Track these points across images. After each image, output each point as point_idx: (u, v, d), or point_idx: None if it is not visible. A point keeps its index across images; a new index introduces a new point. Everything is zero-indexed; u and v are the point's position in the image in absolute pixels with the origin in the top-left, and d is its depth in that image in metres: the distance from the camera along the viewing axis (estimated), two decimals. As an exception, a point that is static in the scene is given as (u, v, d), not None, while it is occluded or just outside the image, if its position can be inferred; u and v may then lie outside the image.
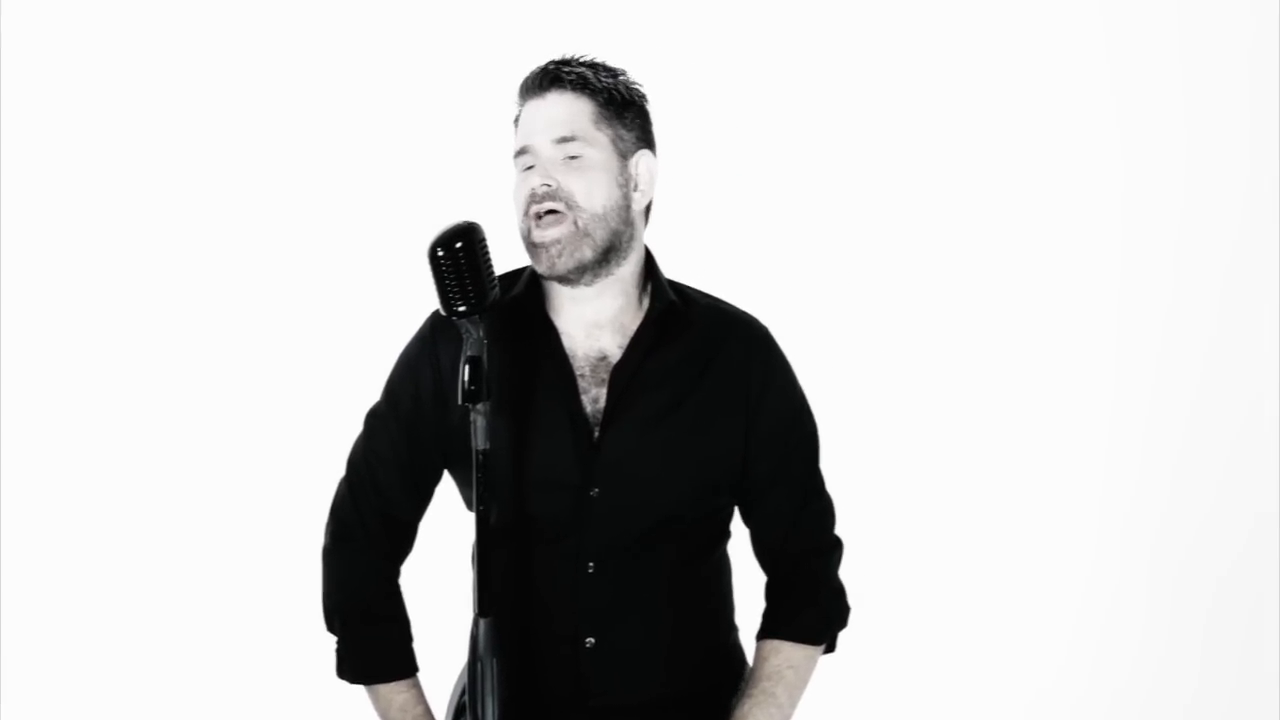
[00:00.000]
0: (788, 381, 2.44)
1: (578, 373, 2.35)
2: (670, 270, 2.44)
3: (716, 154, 4.05)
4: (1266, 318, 4.16)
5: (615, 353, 2.36)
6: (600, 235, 2.30)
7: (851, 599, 2.47)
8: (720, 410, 2.36)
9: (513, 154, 2.36)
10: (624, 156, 2.34)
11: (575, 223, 2.28)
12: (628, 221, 2.34)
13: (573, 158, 2.29)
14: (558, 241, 2.28)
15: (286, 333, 4.13)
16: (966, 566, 4.19)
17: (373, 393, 2.44)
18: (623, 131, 2.34)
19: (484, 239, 2.13)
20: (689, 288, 2.46)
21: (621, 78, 2.37)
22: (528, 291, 2.38)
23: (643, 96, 2.39)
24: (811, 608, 2.43)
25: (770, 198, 4.15)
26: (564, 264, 2.29)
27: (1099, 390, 4.22)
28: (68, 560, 4.14)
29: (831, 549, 2.47)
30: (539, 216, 2.29)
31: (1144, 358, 4.21)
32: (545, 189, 2.28)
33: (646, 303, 2.38)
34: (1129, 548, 4.22)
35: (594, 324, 2.37)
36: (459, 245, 2.11)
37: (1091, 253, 4.20)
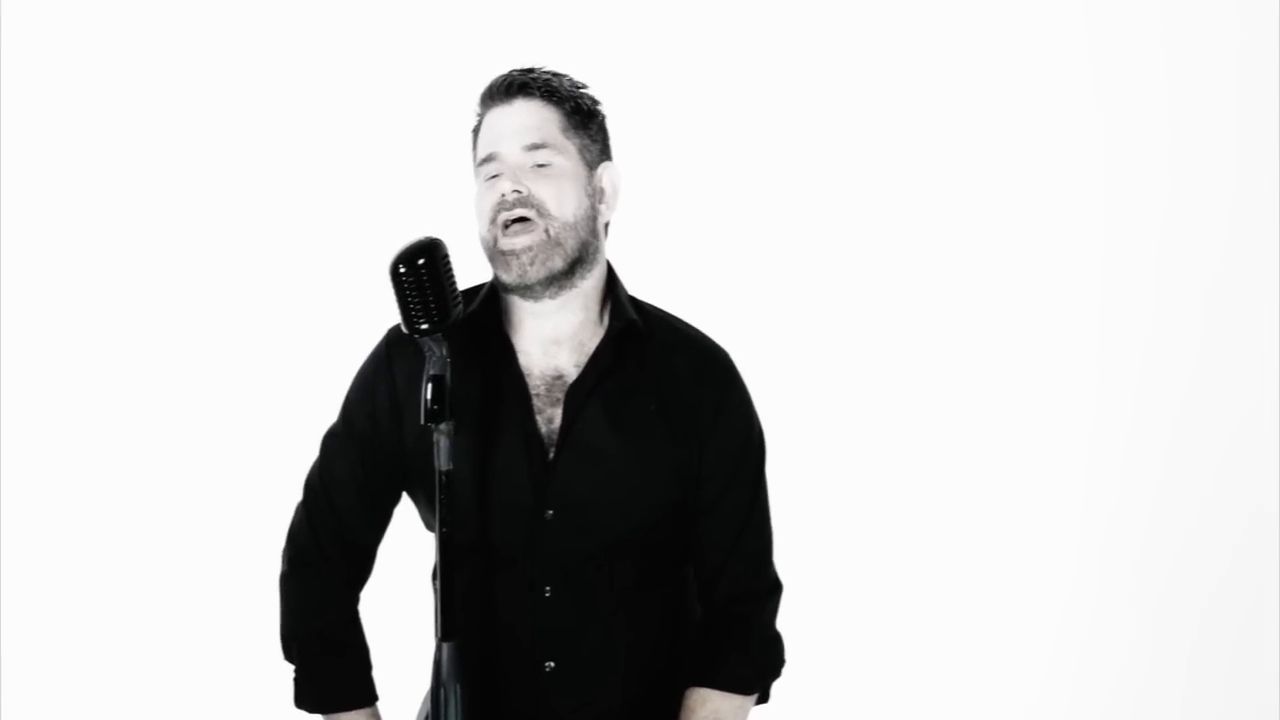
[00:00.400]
0: (742, 409, 2.39)
1: (533, 392, 2.31)
2: (631, 286, 2.40)
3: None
4: (1261, 311, 4.14)
5: (572, 371, 2.31)
6: (571, 244, 2.25)
7: (797, 645, 2.43)
8: (675, 433, 2.32)
9: (475, 163, 2.30)
10: (590, 167, 2.30)
11: (546, 231, 2.23)
12: (594, 233, 2.30)
13: (542, 165, 2.25)
14: (529, 249, 2.23)
15: (285, 333, 4.07)
16: (950, 570, 4.17)
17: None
18: (588, 141, 2.31)
19: (447, 255, 2.10)
20: (650, 306, 2.41)
21: (584, 89, 2.34)
22: (484, 307, 2.33)
23: (602, 110, 2.36)
24: (741, 655, 2.36)
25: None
26: (535, 273, 2.23)
27: (1093, 389, 4.21)
28: (67, 560, 4.09)
29: (768, 594, 2.41)
30: (507, 224, 2.24)
31: (1131, 354, 4.19)
32: (516, 195, 2.23)
33: (606, 320, 2.34)
34: (1120, 548, 4.21)
35: (552, 341, 2.32)
36: (421, 262, 2.07)
37: (1078, 250, 4.18)
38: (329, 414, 2.40)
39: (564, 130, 2.28)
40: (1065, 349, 4.19)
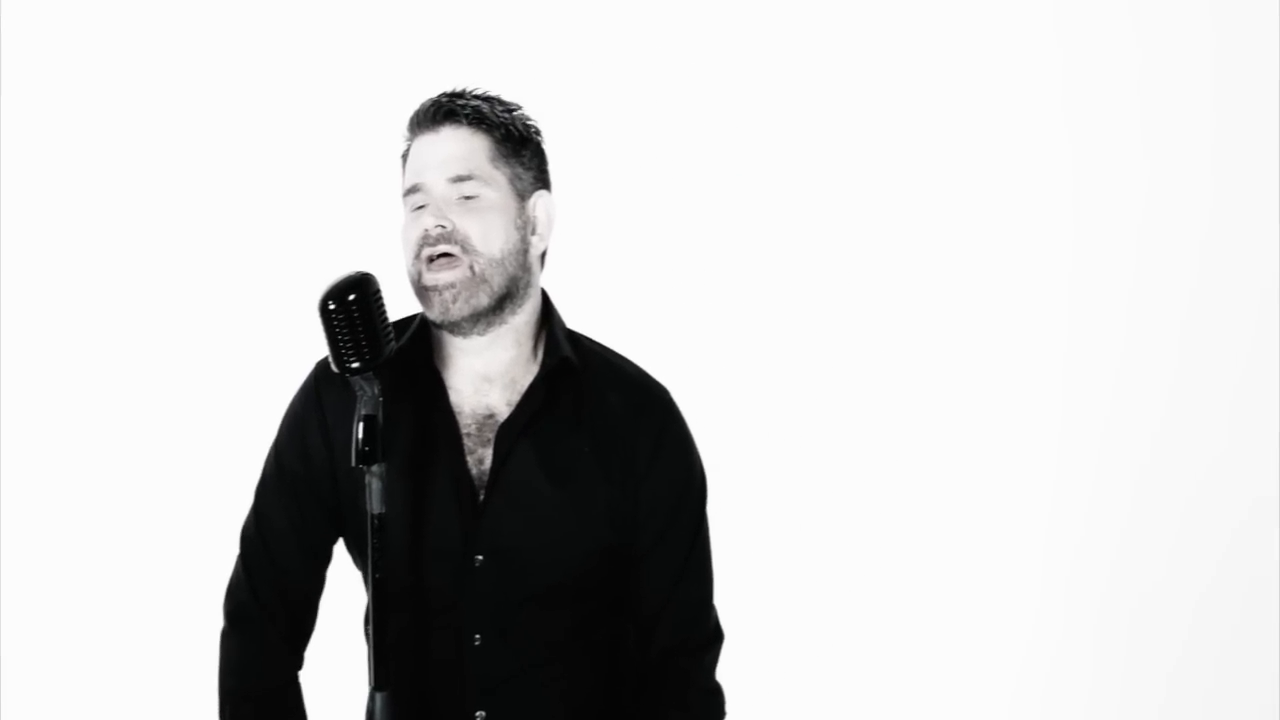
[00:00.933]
0: (682, 449, 2.30)
1: (464, 431, 2.23)
2: (570, 318, 2.34)
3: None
4: (1251, 296, 4.12)
5: (503, 410, 2.24)
6: (497, 281, 2.17)
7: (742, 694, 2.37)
8: (610, 475, 2.24)
9: (402, 192, 2.22)
10: (522, 197, 2.22)
11: (471, 267, 2.15)
12: (525, 267, 2.21)
13: (468, 198, 2.17)
14: (452, 286, 2.15)
15: (285, 333, 3.91)
16: (935, 570, 4.14)
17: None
18: (520, 170, 2.22)
19: (378, 290, 2.03)
20: (588, 341, 2.33)
21: (518, 113, 2.25)
22: (414, 342, 2.25)
23: (539, 134, 2.27)
24: (681, 711, 2.28)
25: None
26: (458, 310, 2.15)
27: (1081, 386, 4.18)
28: (68, 561, 4.02)
29: (707, 645, 2.32)
30: (431, 259, 2.16)
31: (1111, 350, 4.16)
32: (440, 230, 2.15)
33: (540, 356, 2.26)
34: (1115, 549, 4.17)
35: (483, 378, 2.24)
36: (352, 298, 2.01)
37: (1059, 240, 4.14)
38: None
39: (493, 159, 2.19)
40: (1048, 345, 4.15)
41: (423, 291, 2.18)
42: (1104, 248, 4.14)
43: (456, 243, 2.15)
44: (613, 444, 2.24)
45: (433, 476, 2.20)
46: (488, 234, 2.16)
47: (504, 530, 2.19)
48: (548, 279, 2.30)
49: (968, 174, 4.12)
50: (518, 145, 2.22)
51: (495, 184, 2.19)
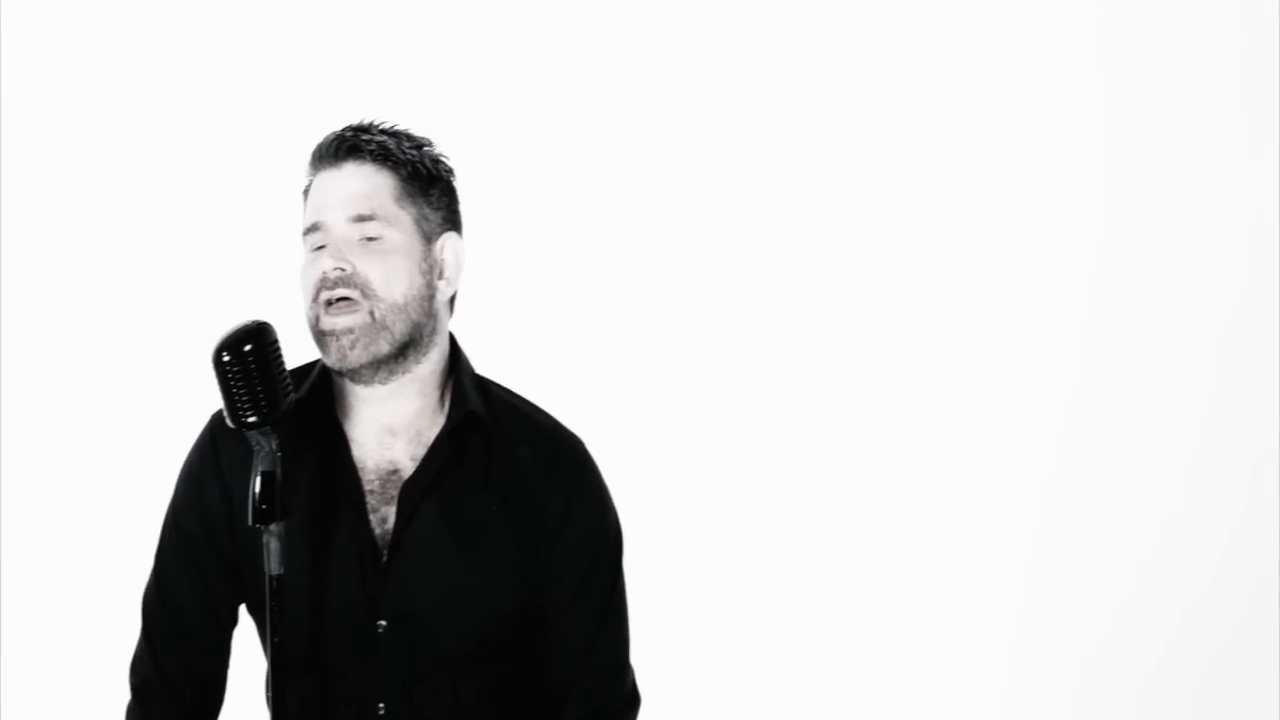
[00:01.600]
0: (596, 506, 2.20)
1: (367, 488, 2.12)
2: (481, 364, 2.24)
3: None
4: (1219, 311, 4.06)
5: (408, 465, 2.13)
6: (399, 328, 2.07)
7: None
8: (519, 534, 2.14)
9: (301, 230, 2.12)
10: (428, 239, 2.11)
11: (371, 313, 2.05)
12: (430, 313, 2.11)
13: (371, 239, 2.06)
14: (350, 331, 2.05)
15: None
16: (919, 575, 4.05)
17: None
18: (428, 211, 2.12)
19: (275, 340, 1.95)
20: (499, 389, 2.23)
21: (427, 149, 2.15)
22: (314, 392, 2.14)
23: (450, 171, 2.17)
24: None
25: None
26: (356, 357, 2.05)
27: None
28: (69, 561, 3.91)
29: (623, 711, 2.23)
30: (330, 303, 2.06)
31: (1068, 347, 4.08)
32: (339, 273, 2.05)
33: (448, 407, 2.16)
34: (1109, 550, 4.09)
35: (387, 430, 2.14)
36: (248, 348, 1.92)
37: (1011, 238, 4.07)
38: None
39: (398, 199, 2.09)
40: (1048, 344, 4.06)
41: (320, 336, 2.08)
42: (1102, 247, 4.07)
43: (356, 286, 2.05)
44: (523, 502, 2.15)
45: (334, 536, 2.10)
46: (390, 278, 2.06)
47: (408, 594, 2.09)
48: (457, 324, 2.21)
49: (920, 175, 4.03)
50: (425, 184, 2.12)
51: (399, 225, 2.09)
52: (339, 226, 2.07)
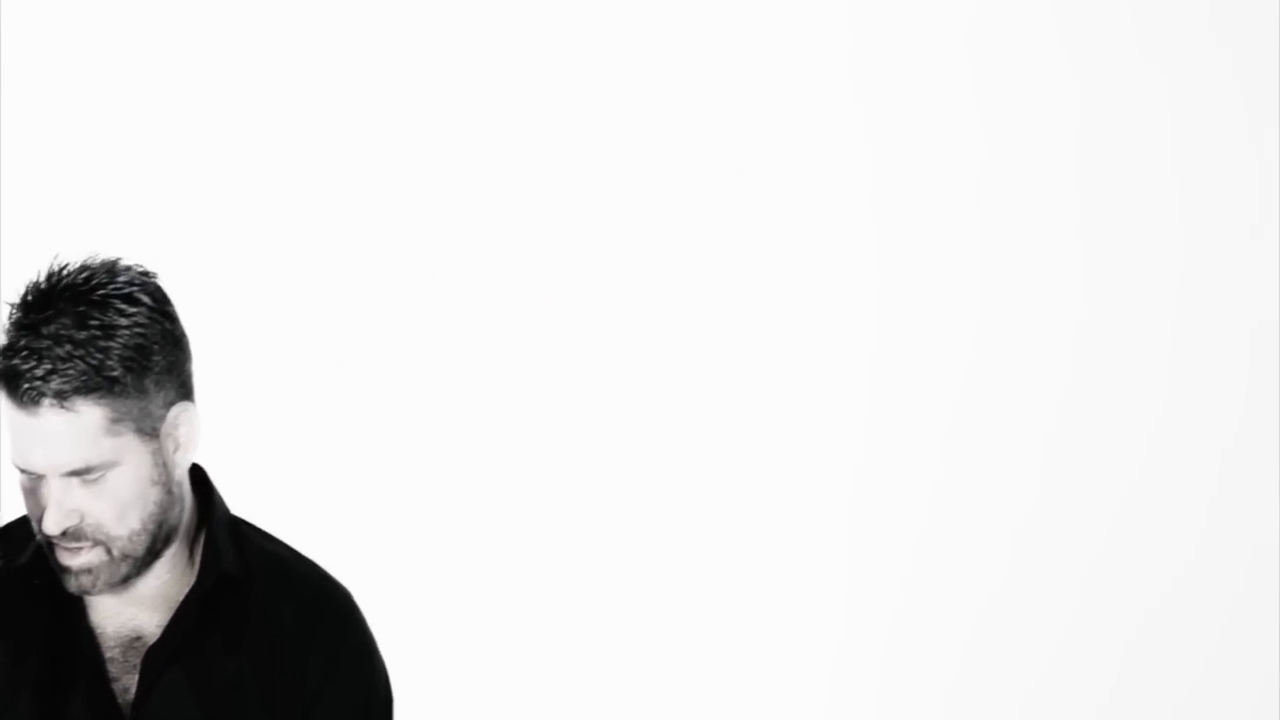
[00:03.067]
0: (362, 666, 2.04)
1: (107, 656, 1.97)
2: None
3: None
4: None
5: (153, 632, 1.97)
6: (141, 549, 1.91)
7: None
8: (272, 704, 1.98)
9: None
10: (155, 434, 1.90)
11: (108, 550, 1.89)
12: (171, 504, 1.94)
13: (93, 481, 1.86)
14: (88, 570, 1.89)
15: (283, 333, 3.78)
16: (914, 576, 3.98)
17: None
18: (147, 403, 1.87)
19: None
20: (259, 536, 2.05)
21: (136, 315, 1.85)
22: (39, 558, 1.95)
23: (164, 306, 1.90)
24: None
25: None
26: (99, 589, 1.90)
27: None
28: None
29: None
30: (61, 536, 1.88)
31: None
32: (66, 528, 1.87)
33: (198, 566, 1.99)
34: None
35: (129, 597, 1.98)
36: None
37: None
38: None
39: (113, 423, 1.85)
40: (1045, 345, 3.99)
41: (54, 563, 1.91)
42: (1102, 247, 3.99)
43: (87, 538, 1.88)
44: (279, 666, 1.98)
45: (70, 710, 1.94)
46: (124, 514, 1.88)
47: None
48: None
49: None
50: (139, 374, 1.86)
51: (121, 452, 1.87)
52: (54, 479, 1.87)
